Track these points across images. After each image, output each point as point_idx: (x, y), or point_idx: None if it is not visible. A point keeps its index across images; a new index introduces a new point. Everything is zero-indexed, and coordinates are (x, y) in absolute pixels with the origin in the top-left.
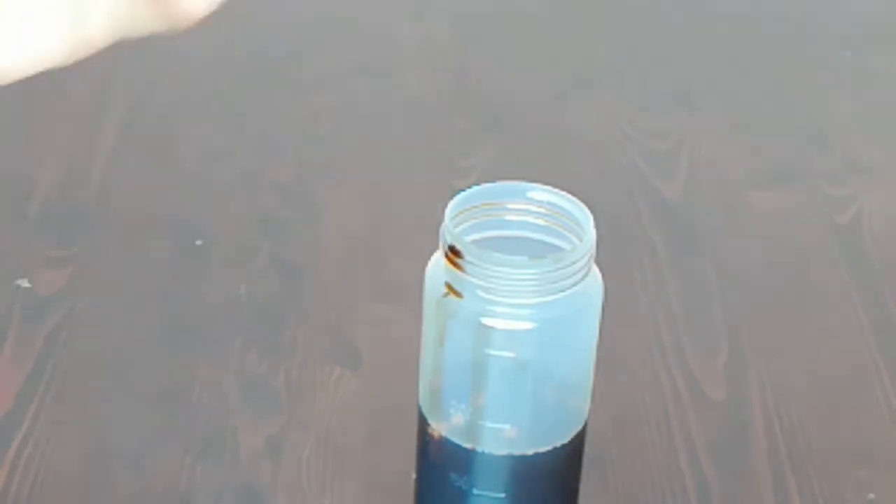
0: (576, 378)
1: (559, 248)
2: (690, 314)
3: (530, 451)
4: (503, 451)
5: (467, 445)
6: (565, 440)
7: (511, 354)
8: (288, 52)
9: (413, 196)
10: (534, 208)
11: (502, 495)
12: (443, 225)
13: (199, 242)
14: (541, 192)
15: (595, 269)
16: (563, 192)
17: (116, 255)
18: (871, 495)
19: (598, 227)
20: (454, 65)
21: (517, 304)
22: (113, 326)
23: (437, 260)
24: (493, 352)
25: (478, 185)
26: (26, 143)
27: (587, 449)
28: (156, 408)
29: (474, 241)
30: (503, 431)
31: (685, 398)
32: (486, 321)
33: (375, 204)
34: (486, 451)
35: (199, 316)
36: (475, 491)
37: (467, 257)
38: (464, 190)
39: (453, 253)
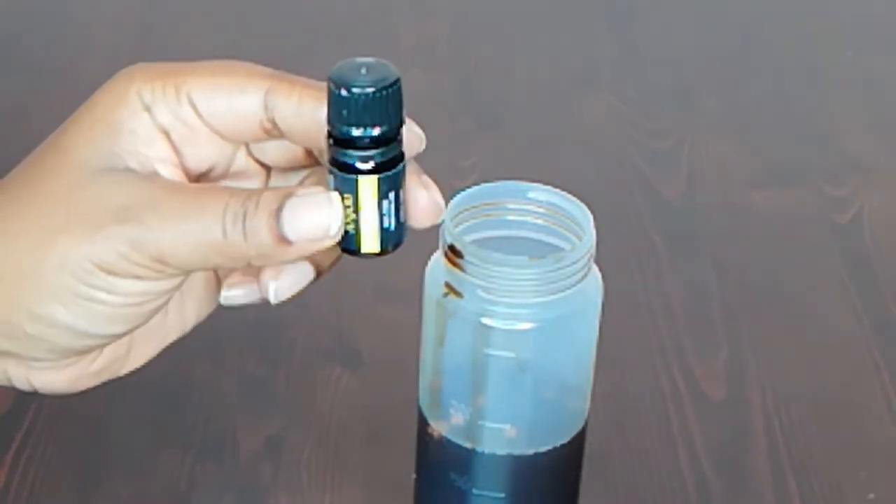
0: (576, 378)
1: (559, 248)
2: (690, 314)
3: (530, 451)
4: (503, 451)
5: (467, 445)
6: (565, 440)
7: (511, 354)
8: (288, 52)
9: None
10: (534, 208)
11: (502, 495)
12: (443, 225)
13: None
14: (541, 192)
15: (595, 269)
16: (563, 192)
17: None
18: (871, 495)
19: (598, 227)
20: (454, 65)
21: (517, 303)
22: None
23: (437, 260)
24: (493, 352)
25: (478, 185)
26: (26, 142)
27: (587, 449)
28: (156, 408)
29: (474, 241)
30: (503, 431)
31: (685, 398)
32: (486, 321)
33: None
34: (486, 451)
35: None
36: (475, 491)
37: (467, 257)
38: (464, 190)
39: (453, 253)
